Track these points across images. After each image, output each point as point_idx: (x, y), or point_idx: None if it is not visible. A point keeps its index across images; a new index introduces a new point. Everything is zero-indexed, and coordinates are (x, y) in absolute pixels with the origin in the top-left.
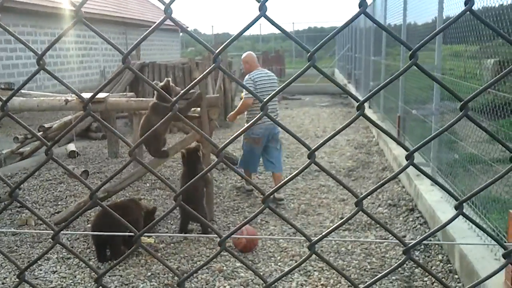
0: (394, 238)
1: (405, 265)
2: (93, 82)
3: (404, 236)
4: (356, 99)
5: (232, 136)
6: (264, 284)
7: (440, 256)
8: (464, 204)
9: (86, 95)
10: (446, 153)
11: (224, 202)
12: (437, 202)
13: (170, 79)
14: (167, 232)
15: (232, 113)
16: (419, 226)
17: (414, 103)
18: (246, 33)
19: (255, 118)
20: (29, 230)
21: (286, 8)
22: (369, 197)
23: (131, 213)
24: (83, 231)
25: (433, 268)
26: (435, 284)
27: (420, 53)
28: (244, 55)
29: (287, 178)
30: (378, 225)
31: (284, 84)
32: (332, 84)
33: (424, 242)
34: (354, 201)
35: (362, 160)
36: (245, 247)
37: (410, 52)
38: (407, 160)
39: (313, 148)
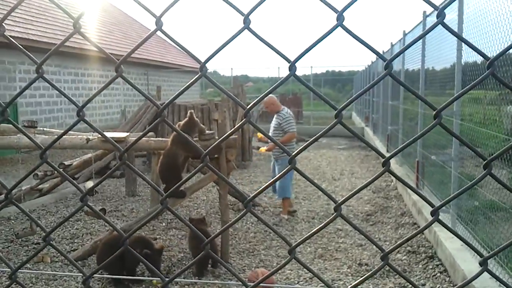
0: None
1: None
2: (114, 121)
3: (424, 284)
4: (382, 155)
5: (266, 184)
6: None
7: None
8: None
9: (108, 134)
10: (466, 200)
11: (240, 244)
12: (457, 250)
13: (193, 111)
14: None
15: (270, 144)
16: (439, 274)
17: (433, 148)
18: (265, 75)
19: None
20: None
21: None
22: (387, 243)
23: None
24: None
25: None
26: None
27: (439, 98)
28: (267, 98)
29: (316, 229)
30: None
31: (312, 139)
32: (350, 127)
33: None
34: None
35: (381, 205)
36: None
37: (435, 113)
38: (432, 216)
39: (339, 202)
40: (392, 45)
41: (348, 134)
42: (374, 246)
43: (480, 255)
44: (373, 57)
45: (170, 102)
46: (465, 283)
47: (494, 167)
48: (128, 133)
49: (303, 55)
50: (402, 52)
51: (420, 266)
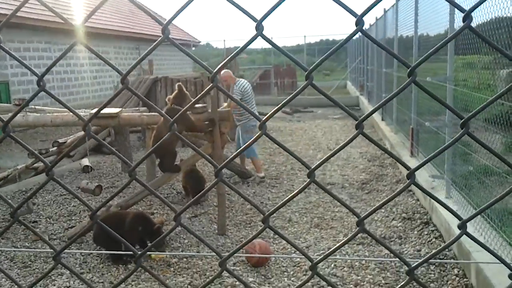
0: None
1: (420, 278)
2: (107, 97)
3: (419, 250)
4: (355, 118)
5: (234, 154)
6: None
7: (456, 271)
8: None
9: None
10: (460, 166)
11: (236, 216)
12: (452, 216)
13: (181, 84)
14: (179, 247)
15: (231, 103)
16: (434, 239)
17: (427, 114)
18: (258, 47)
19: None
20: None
21: (298, 21)
22: (382, 210)
23: (125, 225)
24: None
25: (448, 282)
26: None
27: (432, 64)
28: (222, 72)
29: (288, 197)
30: (392, 239)
31: (281, 104)
32: (345, 96)
33: (440, 255)
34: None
35: (376, 173)
36: (258, 262)
37: (408, 70)
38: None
39: (312, 168)
40: (385, 11)
41: (343, 103)
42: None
43: (459, 218)
44: (367, 24)
45: (132, 69)
46: (444, 246)
47: (488, 131)
48: (120, 109)
49: (270, 13)
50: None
51: (416, 232)
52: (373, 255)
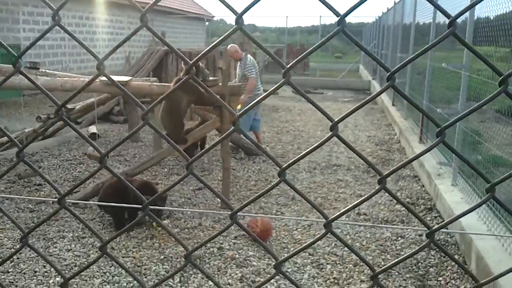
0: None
1: (420, 263)
2: (118, 67)
3: (421, 235)
4: (331, 119)
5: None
6: (274, 270)
7: (456, 257)
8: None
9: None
10: (469, 154)
11: (240, 191)
12: (457, 203)
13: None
14: (182, 217)
15: (243, 96)
16: (436, 225)
17: (439, 102)
18: (272, 25)
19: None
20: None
21: (314, 1)
22: (387, 194)
23: (129, 192)
24: (98, 210)
25: (448, 268)
26: (449, 284)
27: (448, 53)
28: (229, 47)
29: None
30: (395, 223)
31: (260, 98)
32: (355, 79)
33: (441, 241)
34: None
35: (382, 157)
36: (259, 237)
37: (388, 74)
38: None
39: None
40: None
41: (353, 86)
42: (374, 197)
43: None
44: (384, 8)
45: (108, 55)
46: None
47: (499, 122)
48: (130, 77)
49: (251, 7)
50: None
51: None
52: (374, 236)
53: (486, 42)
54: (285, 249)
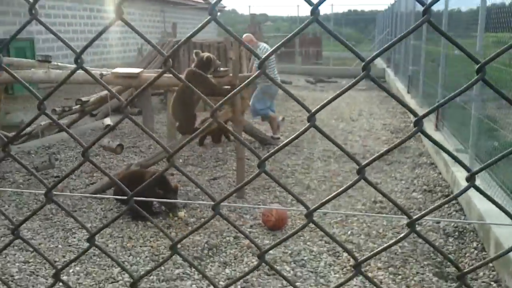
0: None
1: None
2: (131, 59)
3: (438, 223)
4: (308, 110)
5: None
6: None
7: (474, 244)
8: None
9: (122, 70)
10: (485, 141)
11: (255, 180)
12: (474, 190)
13: (199, 51)
14: (197, 207)
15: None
16: (454, 212)
17: (454, 89)
18: (284, 15)
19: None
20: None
21: None
22: (403, 182)
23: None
24: (115, 201)
25: (467, 255)
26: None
27: (461, 40)
28: (244, 36)
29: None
30: (412, 211)
31: (240, 87)
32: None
33: (459, 228)
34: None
35: None
36: (275, 226)
37: (363, 64)
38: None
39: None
40: None
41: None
42: (390, 185)
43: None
44: None
45: (87, 47)
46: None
47: None
48: (141, 69)
49: (218, 3)
50: None
51: (436, 205)
52: (391, 224)
53: (500, 28)
54: (301, 237)
